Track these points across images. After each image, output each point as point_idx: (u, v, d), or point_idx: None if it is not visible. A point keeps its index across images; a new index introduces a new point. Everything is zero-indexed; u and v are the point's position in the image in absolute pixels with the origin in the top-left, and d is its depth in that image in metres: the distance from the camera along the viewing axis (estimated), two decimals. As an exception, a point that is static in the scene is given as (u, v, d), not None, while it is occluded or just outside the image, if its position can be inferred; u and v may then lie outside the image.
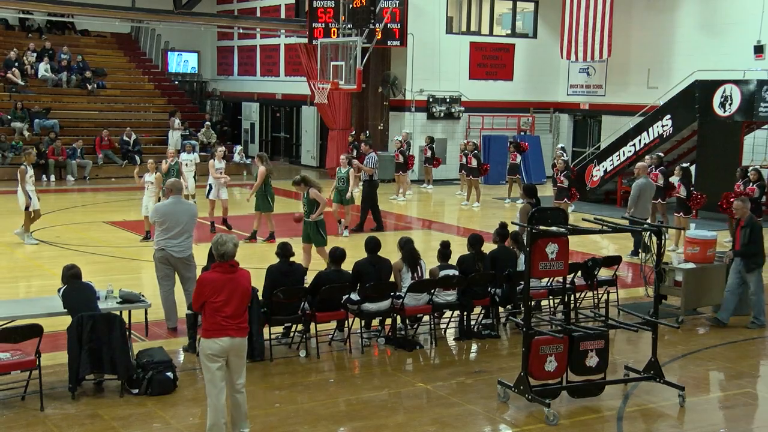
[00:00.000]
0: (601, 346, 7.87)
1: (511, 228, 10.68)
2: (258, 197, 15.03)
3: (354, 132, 24.46)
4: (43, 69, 27.88)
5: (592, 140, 27.27)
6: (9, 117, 25.49)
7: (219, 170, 15.99)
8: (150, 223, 14.55)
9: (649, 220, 14.19)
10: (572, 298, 10.30)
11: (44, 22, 30.59)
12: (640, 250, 14.44)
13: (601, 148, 23.74)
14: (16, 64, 27.20)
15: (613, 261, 11.51)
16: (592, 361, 7.82)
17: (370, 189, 17.23)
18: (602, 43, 24.63)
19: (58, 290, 8.02)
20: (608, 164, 21.80)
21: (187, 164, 17.45)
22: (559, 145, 21.44)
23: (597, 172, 22.03)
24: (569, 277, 10.03)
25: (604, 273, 11.32)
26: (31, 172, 14.74)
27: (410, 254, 9.69)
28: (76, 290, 7.90)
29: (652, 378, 8.15)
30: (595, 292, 10.98)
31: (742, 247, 10.37)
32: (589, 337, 7.83)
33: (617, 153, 21.66)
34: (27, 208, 14.51)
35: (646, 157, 18.76)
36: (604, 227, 8.85)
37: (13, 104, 25.86)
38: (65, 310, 7.85)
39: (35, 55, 28.19)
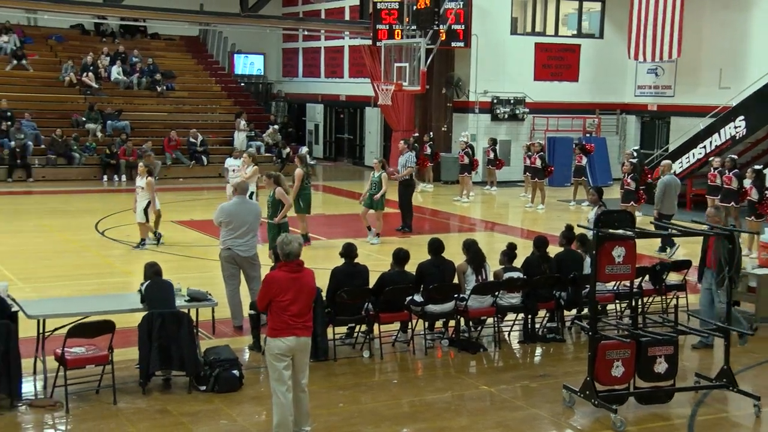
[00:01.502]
0: (670, 352, 7.70)
1: (577, 231, 10.53)
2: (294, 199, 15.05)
3: (417, 134, 24.45)
4: (116, 72, 28.64)
5: (660, 142, 26.71)
6: (84, 119, 26.27)
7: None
8: (145, 229, 14.60)
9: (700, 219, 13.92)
10: (640, 302, 10.10)
11: (117, 27, 31.44)
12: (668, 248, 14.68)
13: (669, 151, 23.24)
14: (91, 67, 28.03)
15: (682, 265, 11.26)
16: (661, 367, 7.66)
17: (405, 189, 16.99)
18: (671, 43, 24.08)
19: (141, 284, 8.23)
20: (677, 166, 21.30)
21: (234, 170, 16.91)
22: (633, 147, 21.17)
23: (665, 175, 21.58)
24: (636, 281, 9.87)
25: (673, 277, 11.09)
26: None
27: (476, 256, 9.64)
28: (157, 286, 8.11)
29: (724, 386, 7.93)
30: (664, 297, 10.76)
31: (717, 259, 9.25)
32: (657, 343, 7.67)
33: (687, 155, 21.16)
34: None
35: (716, 159, 18.30)
36: (673, 231, 8.68)
37: (87, 106, 26.65)
38: (140, 306, 8.06)
39: (108, 58, 29.00)
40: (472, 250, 9.70)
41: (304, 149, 25.19)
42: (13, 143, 23.94)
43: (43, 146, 24.75)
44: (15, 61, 27.61)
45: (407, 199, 17.00)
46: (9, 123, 24.65)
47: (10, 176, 23.66)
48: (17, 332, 7.57)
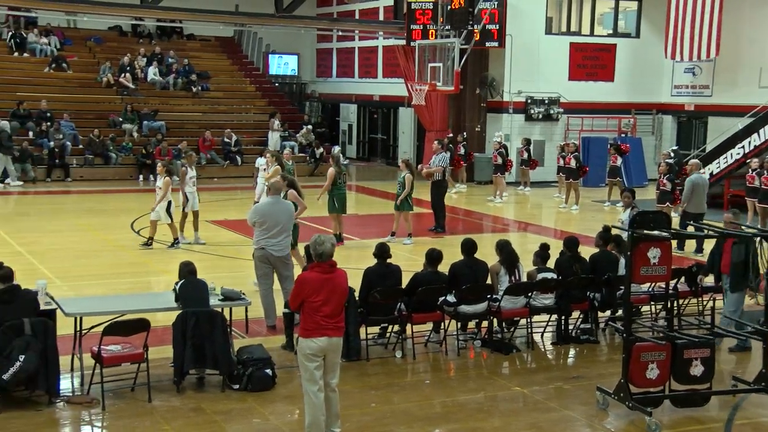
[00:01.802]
0: (707, 354, 7.60)
1: (614, 232, 10.43)
2: (327, 198, 15.08)
3: (450, 134, 24.39)
4: (152, 73, 28.97)
5: (696, 142, 26.35)
6: (120, 119, 26.62)
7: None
8: (174, 229, 14.70)
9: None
10: (675, 304, 9.98)
11: (154, 28, 31.82)
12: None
13: (706, 151, 22.92)
14: (128, 68, 28.41)
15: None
16: (697, 370, 7.56)
17: (437, 190, 16.95)
18: (710, 42, 23.72)
19: (176, 283, 8.32)
20: (714, 167, 21.03)
21: (264, 169, 16.71)
22: (673, 147, 20.94)
23: (702, 175, 21.29)
24: (672, 283, 9.76)
25: (709, 279, 10.93)
26: (192, 173, 15.13)
27: (509, 257, 9.61)
28: (191, 286, 8.19)
29: (763, 390, 7.81)
30: (700, 299, 10.62)
31: (732, 264, 9.34)
32: (693, 345, 7.58)
33: (724, 156, 20.87)
34: (183, 209, 14.88)
35: (755, 159, 18.02)
36: (709, 232, 8.56)
37: (124, 106, 27.00)
38: (175, 305, 8.14)
39: (145, 59, 29.36)
40: (505, 250, 9.66)
41: (337, 149, 25.32)
42: (52, 143, 24.33)
43: (80, 146, 25.12)
44: (55, 63, 28.07)
45: (439, 200, 16.97)
46: (48, 123, 25.06)
47: (49, 176, 24.05)
48: (55, 330, 7.71)
